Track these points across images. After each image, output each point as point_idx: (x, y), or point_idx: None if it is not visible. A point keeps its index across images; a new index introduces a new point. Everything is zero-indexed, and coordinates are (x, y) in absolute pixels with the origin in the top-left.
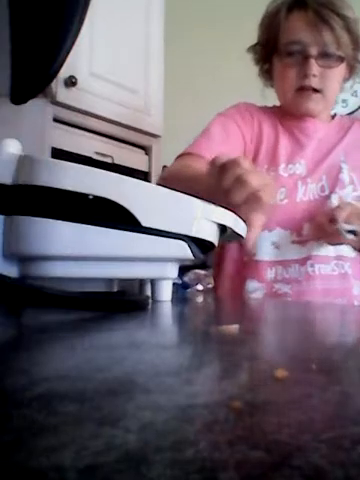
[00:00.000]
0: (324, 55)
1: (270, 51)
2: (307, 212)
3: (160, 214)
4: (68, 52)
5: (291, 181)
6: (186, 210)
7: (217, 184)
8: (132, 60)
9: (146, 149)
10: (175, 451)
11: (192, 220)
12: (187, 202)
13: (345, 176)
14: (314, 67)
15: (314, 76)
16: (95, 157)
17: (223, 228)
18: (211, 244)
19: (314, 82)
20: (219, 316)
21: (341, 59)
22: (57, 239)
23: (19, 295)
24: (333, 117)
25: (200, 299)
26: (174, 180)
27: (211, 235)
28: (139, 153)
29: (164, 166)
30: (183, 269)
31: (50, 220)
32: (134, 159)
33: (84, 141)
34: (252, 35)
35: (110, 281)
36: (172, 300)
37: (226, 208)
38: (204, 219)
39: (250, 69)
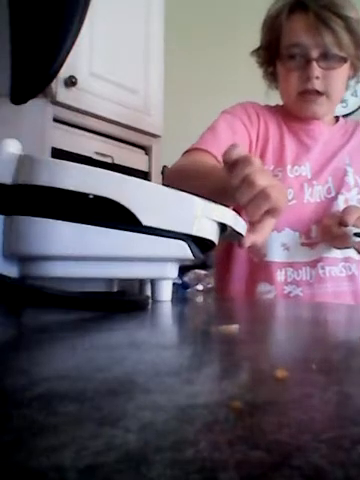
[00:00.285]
0: (325, 57)
1: (273, 54)
2: (315, 213)
3: (161, 213)
4: (68, 52)
5: (297, 182)
6: (187, 209)
7: (228, 179)
8: (132, 60)
9: (146, 149)
10: (175, 451)
11: (193, 219)
12: (188, 201)
13: (350, 179)
14: (316, 70)
15: (317, 78)
16: (95, 157)
17: (223, 227)
18: (212, 243)
19: (317, 85)
20: (219, 316)
21: (343, 60)
22: (57, 239)
23: (19, 295)
24: (337, 119)
25: (200, 299)
26: (183, 175)
27: (212, 234)
28: (139, 153)
29: (164, 166)
30: (183, 269)
31: (50, 220)
32: (134, 159)
33: (84, 141)
34: (252, 35)
35: (110, 281)
36: (172, 300)
37: (231, 205)
38: (205, 218)
39: (250, 69)
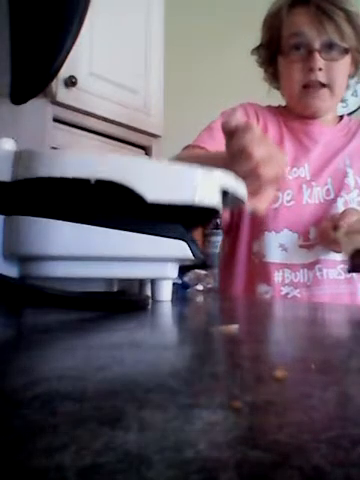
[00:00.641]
0: (328, 48)
1: (274, 51)
2: (314, 215)
3: (163, 187)
4: (68, 52)
5: (296, 184)
6: (187, 179)
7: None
8: (132, 60)
9: (146, 149)
10: (175, 451)
11: (194, 188)
12: (187, 171)
13: (351, 180)
14: (319, 61)
15: (320, 70)
16: None
17: (224, 194)
18: (215, 211)
19: (320, 76)
20: (219, 316)
21: (346, 51)
22: (57, 239)
23: (19, 295)
24: (340, 119)
25: (200, 299)
26: (184, 161)
27: (214, 201)
28: (139, 153)
29: None
30: (183, 269)
31: (50, 220)
32: None
33: (84, 141)
34: (252, 35)
35: (110, 281)
36: (172, 300)
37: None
38: (206, 185)
39: (251, 69)
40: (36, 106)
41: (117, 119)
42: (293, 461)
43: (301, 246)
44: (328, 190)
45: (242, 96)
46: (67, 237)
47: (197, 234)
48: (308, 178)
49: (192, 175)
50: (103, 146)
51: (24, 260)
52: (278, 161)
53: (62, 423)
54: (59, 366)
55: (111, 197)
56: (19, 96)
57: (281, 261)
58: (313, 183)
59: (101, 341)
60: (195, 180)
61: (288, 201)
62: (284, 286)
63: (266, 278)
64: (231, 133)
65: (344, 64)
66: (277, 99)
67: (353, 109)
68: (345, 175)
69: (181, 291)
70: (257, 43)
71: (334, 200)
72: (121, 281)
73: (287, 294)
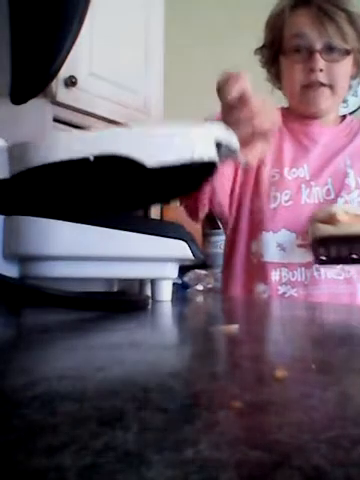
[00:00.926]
0: (329, 49)
1: (276, 52)
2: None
3: (160, 150)
4: (68, 52)
5: (295, 184)
6: (183, 136)
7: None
8: (132, 60)
9: None
10: (175, 451)
11: (191, 144)
12: (181, 129)
13: (352, 181)
14: (319, 62)
15: (320, 70)
16: None
17: (218, 146)
18: (213, 165)
19: (321, 77)
20: (219, 316)
21: (347, 52)
22: (57, 239)
23: (19, 295)
24: (343, 119)
25: (200, 299)
26: None
27: (212, 154)
28: None
29: None
30: (183, 269)
31: (50, 220)
32: None
33: None
34: (253, 35)
35: (110, 281)
36: (172, 300)
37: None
38: (201, 140)
39: (251, 69)
40: (36, 106)
41: (117, 119)
42: (293, 461)
43: (299, 246)
44: (328, 190)
45: None
46: (67, 237)
47: (197, 234)
48: (307, 178)
49: (187, 132)
50: None
51: (24, 260)
52: (272, 114)
53: (62, 423)
54: (59, 366)
55: (112, 173)
56: (19, 96)
57: (279, 261)
58: (312, 183)
59: (101, 341)
60: (191, 136)
61: (286, 201)
62: (281, 285)
63: (264, 277)
64: (222, 84)
65: (345, 65)
66: (278, 100)
67: (353, 109)
68: (346, 175)
69: (181, 291)
70: (257, 43)
71: (334, 200)
72: (121, 281)
73: (284, 293)
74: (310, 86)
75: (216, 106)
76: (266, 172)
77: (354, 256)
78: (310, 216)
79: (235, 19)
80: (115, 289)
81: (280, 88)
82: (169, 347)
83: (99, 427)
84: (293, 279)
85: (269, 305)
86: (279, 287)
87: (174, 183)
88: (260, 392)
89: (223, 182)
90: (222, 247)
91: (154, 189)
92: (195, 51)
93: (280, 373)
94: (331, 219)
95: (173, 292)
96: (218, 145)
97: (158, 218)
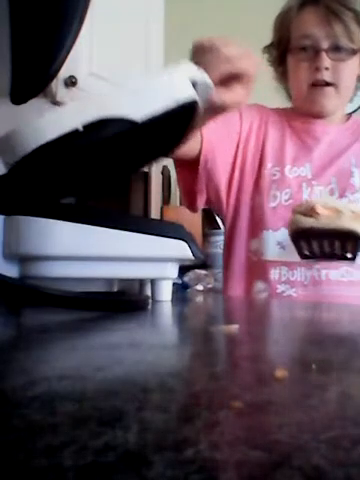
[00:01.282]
0: (335, 48)
1: (283, 51)
2: None
3: (144, 102)
4: (68, 52)
5: (296, 183)
6: (162, 84)
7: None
8: (132, 60)
9: None
10: (175, 451)
11: (172, 89)
12: (159, 77)
13: (356, 180)
14: (325, 60)
15: (326, 69)
16: None
17: (194, 86)
18: (195, 104)
19: (326, 75)
20: (219, 316)
21: (353, 52)
22: (57, 239)
23: (19, 295)
24: (349, 117)
25: (200, 299)
26: None
27: (191, 92)
28: None
29: (164, 166)
30: (183, 269)
31: (50, 220)
32: None
33: None
34: (253, 36)
35: (110, 281)
36: (172, 300)
37: None
38: (178, 82)
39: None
40: (36, 106)
41: None
42: (293, 461)
43: None
44: (332, 189)
45: None
46: (67, 237)
47: (197, 234)
48: (309, 177)
49: (165, 79)
50: None
51: (24, 260)
52: (254, 58)
53: (62, 423)
54: (59, 366)
55: (104, 137)
56: (19, 96)
57: (279, 259)
58: (314, 182)
59: (101, 341)
60: (169, 81)
61: (286, 200)
62: (280, 284)
63: (263, 276)
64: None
65: (352, 64)
66: (280, 100)
67: (353, 109)
68: (351, 175)
69: (181, 291)
70: (259, 44)
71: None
72: (121, 281)
73: (283, 292)
74: (316, 85)
75: None
76: (267, 170)
77: (336, 252)
78: (292, 208)
79: (235, 20)
80: (115, 289)
81: (286, 87)
82: (169, 347)
83: (99, 427)
84: (293, 278)
85: (269, 305)
86: (278, 286)
87: (165, 133)
88: (260, 392)
89: (218, 163)
90: (222, 247)
91: (147, 144)
92: None
93: (280, 373)
94: (311, 211)
95: (173, 292)
96: (194, 84)
97: (158, 218)
